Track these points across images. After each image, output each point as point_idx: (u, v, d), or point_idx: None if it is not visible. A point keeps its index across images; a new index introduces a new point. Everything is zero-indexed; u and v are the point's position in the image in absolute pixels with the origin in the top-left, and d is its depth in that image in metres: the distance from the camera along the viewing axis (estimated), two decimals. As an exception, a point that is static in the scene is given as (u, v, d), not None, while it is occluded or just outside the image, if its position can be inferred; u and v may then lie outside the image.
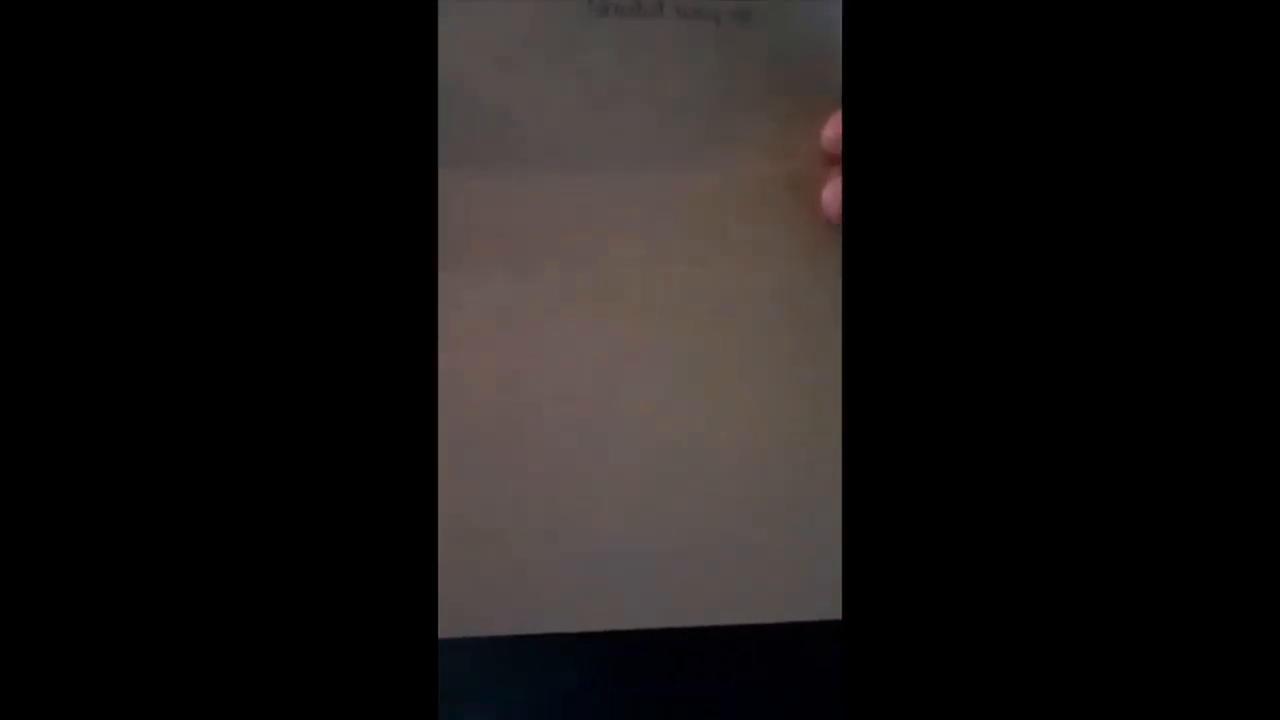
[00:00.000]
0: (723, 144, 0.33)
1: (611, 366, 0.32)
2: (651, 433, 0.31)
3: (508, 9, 0.32)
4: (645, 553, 0.30)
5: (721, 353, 0.32)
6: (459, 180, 0.31)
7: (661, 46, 0.33)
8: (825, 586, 0.30)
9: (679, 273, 0.32)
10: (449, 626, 0.27)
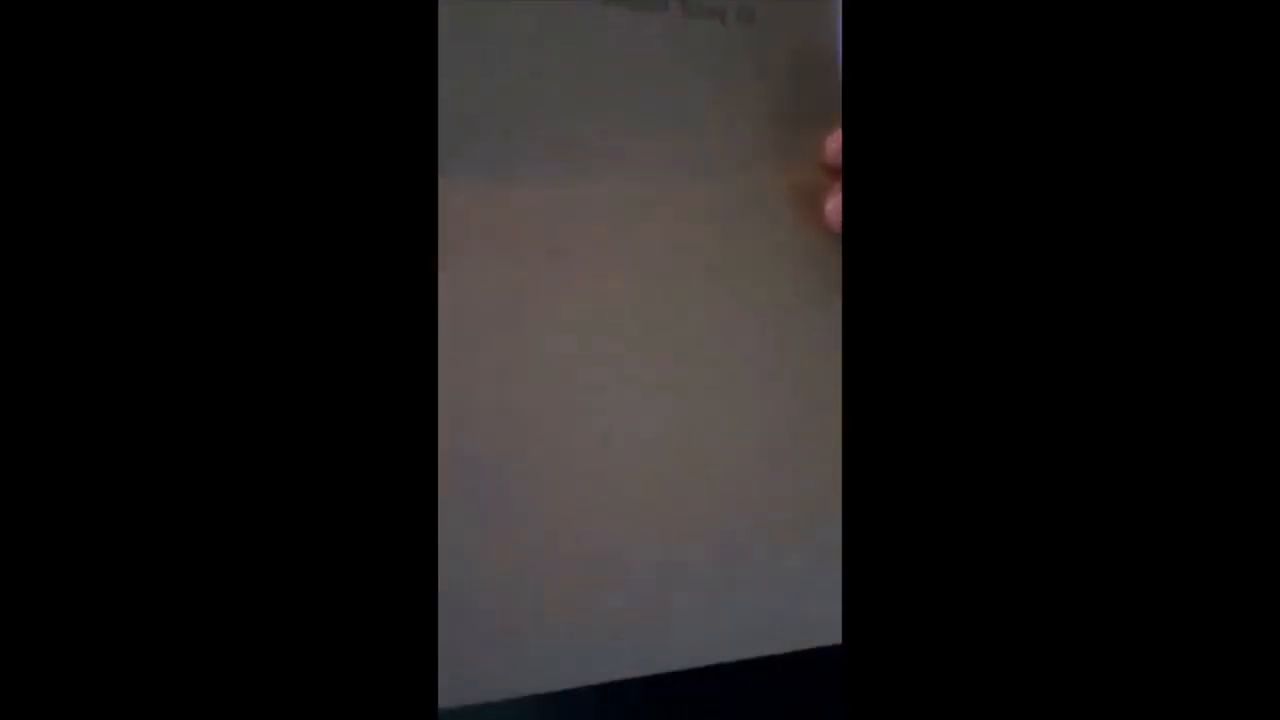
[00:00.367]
0: (725, 151, 0.32)
1: (610, 378, 0.30)
2: (651, 447, 0.30)
3: (508, 4, 0.30)
4: (641, 579, 0.29)
5: (722, 364, 0.31)
6: (455, 184, 0.29)
7: (665, 42, 0.31)
8: (826, 612, 0.30)
9: (679, 282, 0.31)
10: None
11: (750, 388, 0.31)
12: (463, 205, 0.29)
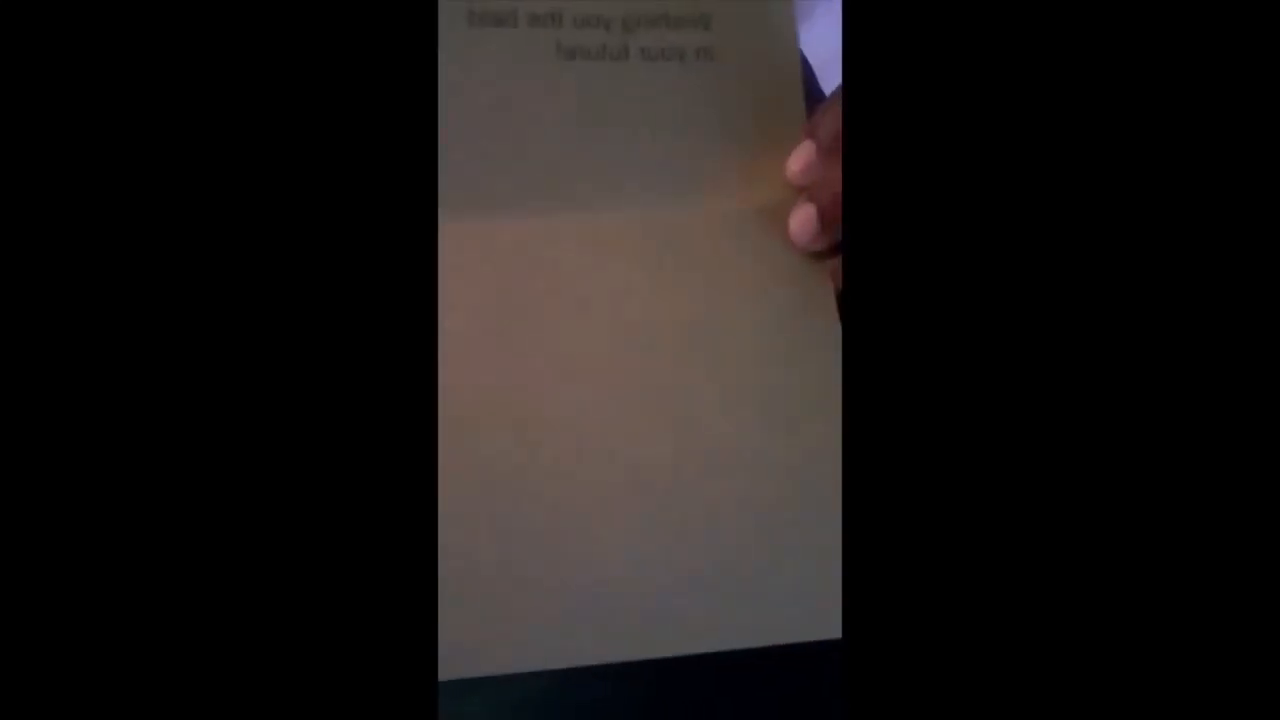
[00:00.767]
0: (692, 178, 0.34)
1: (589, 399, 0.32)
2: (631, 464, 0.31)
3: (475, 55, 0.33)
4: (635, 582, 0.30)
5: (698, 384, 0.33)
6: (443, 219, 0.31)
7: (628, 88, 0.34)
8: (824, 607, 0.30)
9: (653, 306, 0.33)
10: (445, 668, 0.27)
11: (737, 393, 0.33)
12: (451, 239, 0.31)
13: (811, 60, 0.43)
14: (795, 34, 0.35)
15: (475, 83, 0.33)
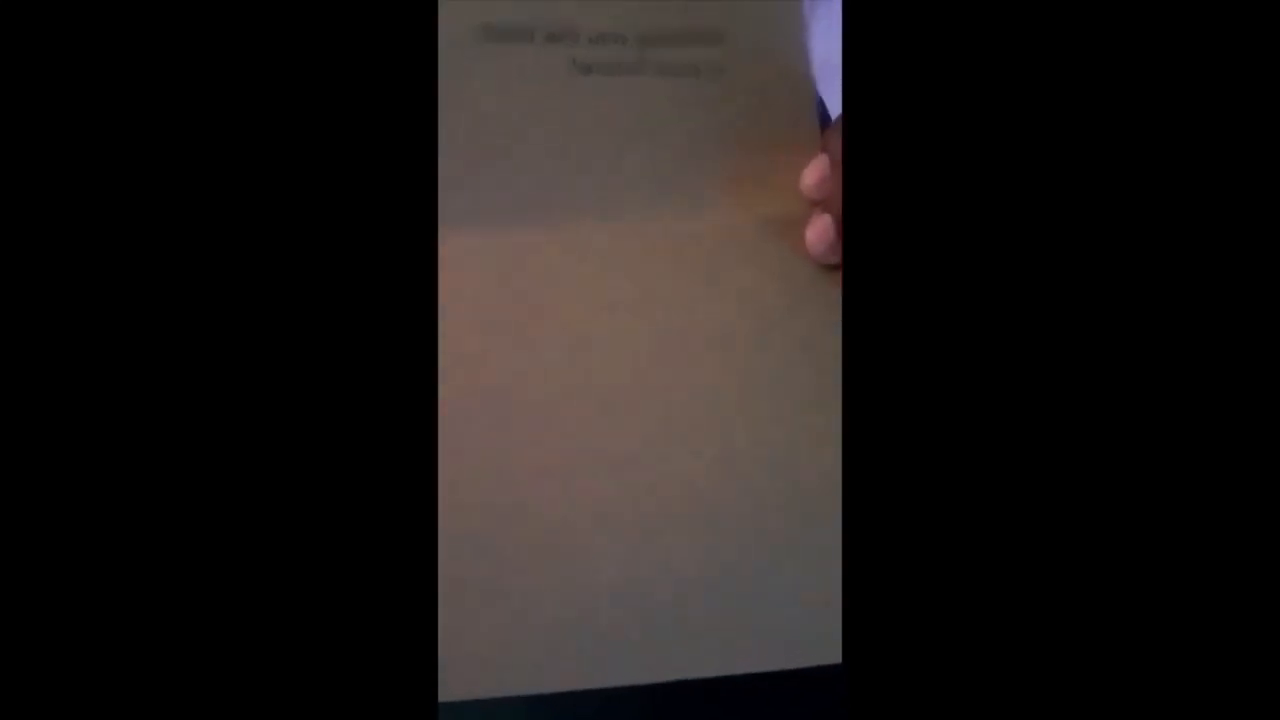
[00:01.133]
0: (705, 191, 0.34)
1: (597, 414, 0.32)
2: (638, 479, 0.32)
3: (490, 71, 0.33)
4: (635, 606, 0.30)
5: (708, 397, 0.33)
6: (442, 235, 0.31)
7: (642, 102, 0.34)
8: (825, 631, 0.30)
9: (665, 320, 0.33)
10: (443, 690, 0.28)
11: (741, 411, 0.33)
12: (447, 259, 0.31)
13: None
14: (808, 48, 0.34)
15: (490, 98, 0.33)
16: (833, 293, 0.34)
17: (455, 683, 0.28)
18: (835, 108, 0.38)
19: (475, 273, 0.32)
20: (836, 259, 0.34)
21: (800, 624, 0.30)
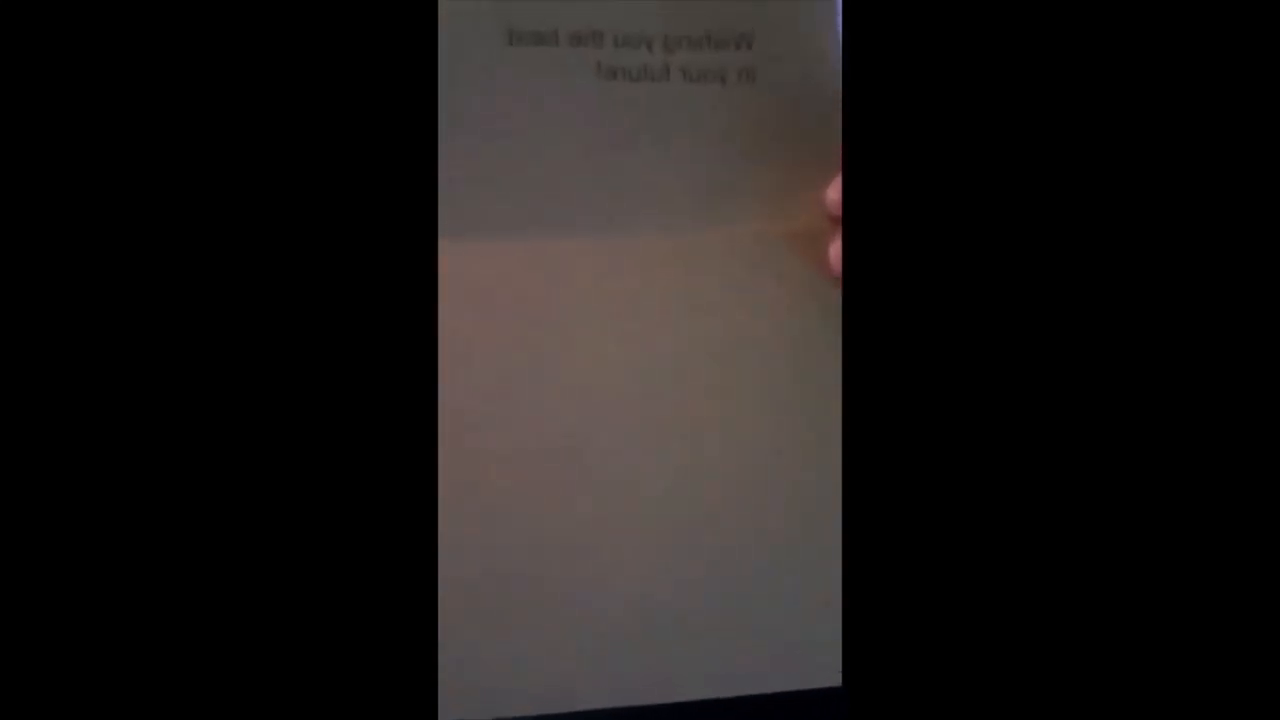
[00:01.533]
0: (727, 202, 0.33)
1: (613, 425, 0.32)
2: (651, 493, 0.32)
3: (514, 74, 0.32)
4: (638, 628, 0.31)
5: (724, 411, 0.33)
6: (461, 245, 0.31)
7: (668, 109, 0.33)
8: (825, 653, 0.31)
9: (683, 331, 0.33)
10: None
11: (755, 430, 0.33)
12: (466, 269, 0.31)
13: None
14: (837, 57, 0.34)
15: (513, 102, 0.32)
16: None
17: (454, 706, 0.29)
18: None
19: (487, 281, 0.32)
20: None
21: (801, 646, 0.31)
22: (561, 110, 0.32)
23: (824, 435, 0.32)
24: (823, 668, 0.30)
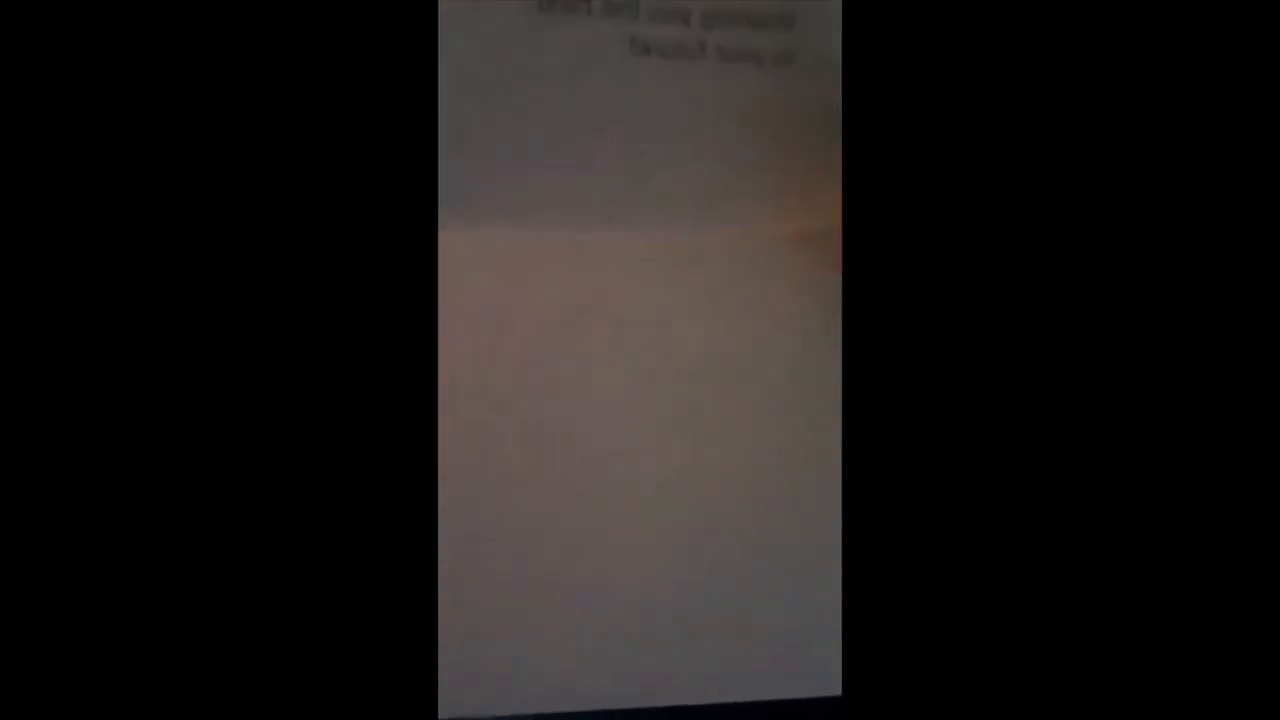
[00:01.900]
0: (751, 197, 0.32)
1: (620, 426, 0.31)
2: (659, 495, 0.31)
3: (540, 45, 0.30)
4: (635, 625, 0.31)
5: (736, 414, 0.32)
6: (462, 232, 0.30)
7: (698, 90, 0.31)
8: (824, 661, 0.31)
9: (694, 331, 0.32)
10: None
11: (765, 441, 0.32)
12: (467, 258, 0.30)
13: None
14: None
15: (538, 75, 0.30)
16: None
17: (454, 703, 0.29)
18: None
19: (489, 270, 0.30)
20: None
21: (800, 654, 0.31)
22: (587, 87, 0.31)
23: (827, 438, 0.32)
24: (822, 676, 0.31)
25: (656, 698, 0.30)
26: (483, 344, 0.30)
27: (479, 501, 0.30)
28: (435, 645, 0.25)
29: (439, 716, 0.28)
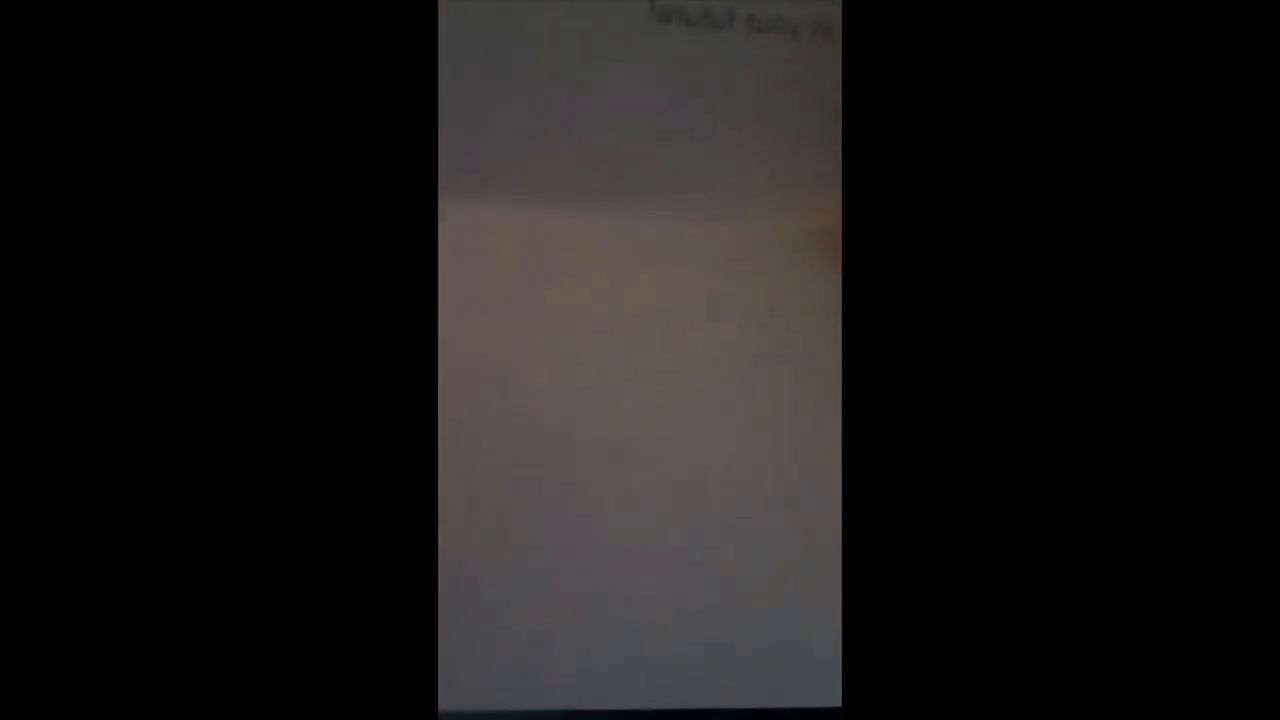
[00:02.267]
0: (776, 188, 0.30)
1: (624, 422, 0.30)
2: (660, 497, 0.30)
3: (551, 10, 0.28)
4: (640, 629, 0.30)
5: (742, 415, 0.31)
6: (464, 208, 0.28)
7: (726, 65, 0.29)
8: (825, 670, 0.30)
9: (703, 329, 0.30)
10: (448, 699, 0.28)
11: (776, 432, 0.31)
12: (470, 238, 0.28)
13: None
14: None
15: (554, 42, 0.28)
16: None
17: (455, 693, 0.28)
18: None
19: (490, 254, 0.29)
20: None
21: (800, 663, 0.30)
22: (606, 57, 0.29)
23: (832, 442, 0.31)
24: (822, 688, 0.30)
25: (654, 700, 0.30)
26: (476, 338, 0.29)
27: (479, 500, 0.30)
28: (435, 638, 0.24)
29: (439, 707, 0.28)
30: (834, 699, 0.30)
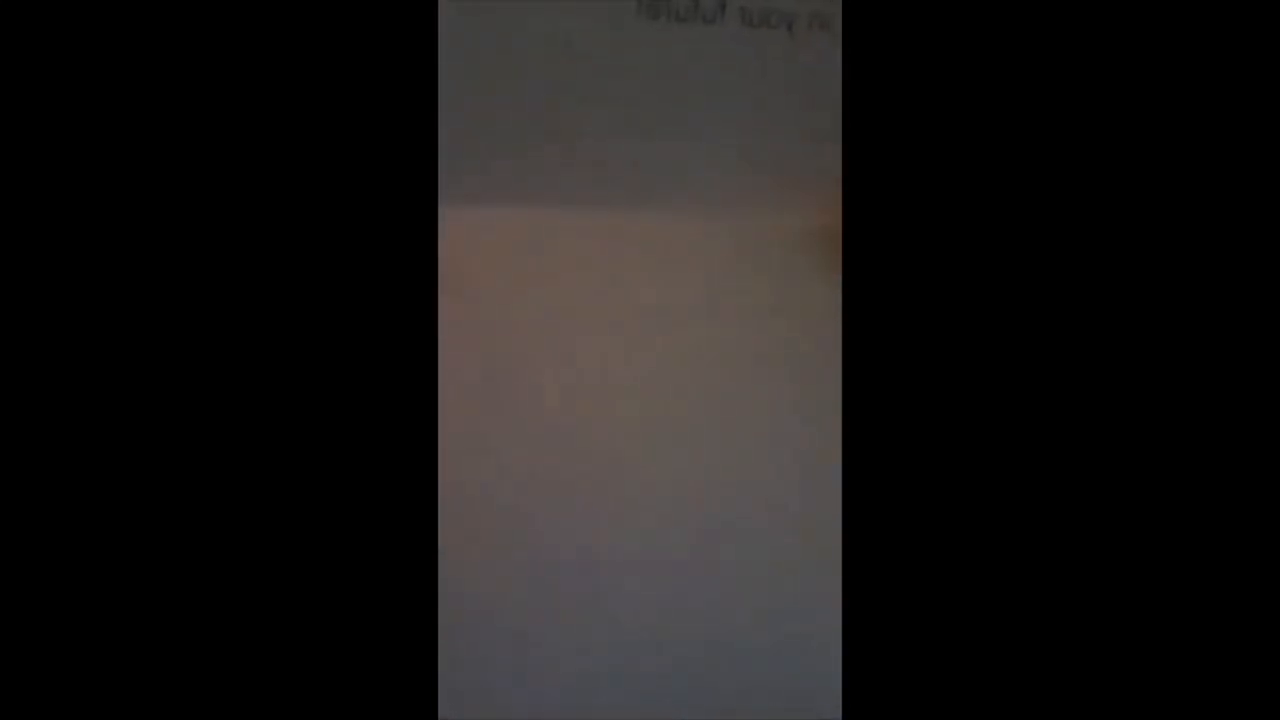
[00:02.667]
0: (775, 187, 0.29)
1: (624, 423, 0.30)
2: (659, 497, 0.30)
3: (537, 7, 0.27)
4: (640, 632, 0.30)
5: (742, 415, 0.30)
6: (462, 211, 0.28)
7: (717, 60, 0.28)
8: (825, 685, 0.30)
9: (703, 330, 0.30)
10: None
11: (775, 434, 0.31)
12: (466, 240, 0.28)
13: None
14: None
15: (539, 40, 0.28)
16: None
17: (456, 701, 0.28)
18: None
19: (487, 256, 0.29)
20: None
21: (800, 677, 0.30)
22: (593, 53, 0.28)
23: (831, 442, 0.30)
24: (822, 688, 0.30)
25: (658, 706, 0.30)
26: (481, 331, 0.29)
27: (479, 505, 0.30)
28: (435, 645, 0.25)
29: (440, 715, 0.28)
30: (834, 699, 0.30)
